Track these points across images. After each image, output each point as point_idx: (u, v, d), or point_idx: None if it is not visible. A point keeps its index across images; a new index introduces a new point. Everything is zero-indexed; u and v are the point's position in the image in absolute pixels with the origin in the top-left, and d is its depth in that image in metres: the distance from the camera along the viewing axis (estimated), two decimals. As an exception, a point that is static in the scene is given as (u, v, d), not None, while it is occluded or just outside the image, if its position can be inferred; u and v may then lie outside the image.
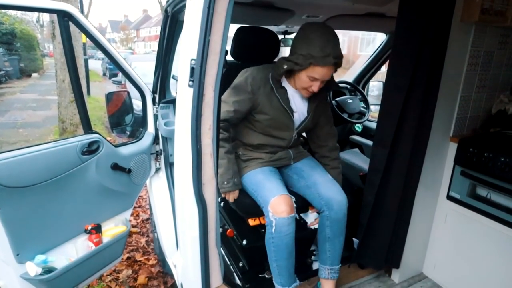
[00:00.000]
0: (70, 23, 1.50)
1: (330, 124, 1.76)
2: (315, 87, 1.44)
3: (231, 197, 1.56)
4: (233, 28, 1.84)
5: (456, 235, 1.71)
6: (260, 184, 1.52)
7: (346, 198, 1.55)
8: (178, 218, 1.34)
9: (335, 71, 1.46)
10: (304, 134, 1.98)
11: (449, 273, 1.77)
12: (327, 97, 1.71)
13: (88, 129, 1.64)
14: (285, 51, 1.93)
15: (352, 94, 2.92)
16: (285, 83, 1.56)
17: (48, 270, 1.44)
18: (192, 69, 1.07)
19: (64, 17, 1.47)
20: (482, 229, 1.58)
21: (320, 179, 1.60)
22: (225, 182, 1.51)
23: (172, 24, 1.93)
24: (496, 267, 1.55)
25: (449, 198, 1.71)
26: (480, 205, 1.58)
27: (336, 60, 1.37)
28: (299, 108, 1.60)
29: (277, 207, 1.40)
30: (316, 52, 1.34)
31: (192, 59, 1.07)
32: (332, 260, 1.59)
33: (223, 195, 1.57)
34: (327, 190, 1.55)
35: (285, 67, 1.42)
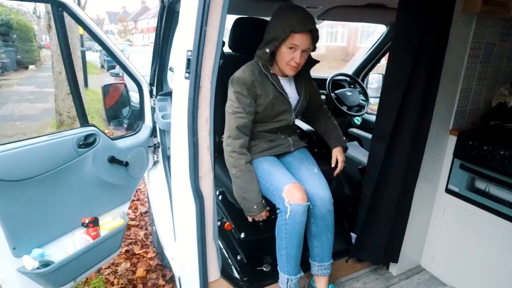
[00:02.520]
0: (65, 13, 1.48)
1: (318, 97, 1.84)
2: (297, 57, 1.45)
3: (259, 217, 1.53)
4: (231, 19, 1.82)
5: (454, 228, 1.71)
6: (269, 173, 1.51)
7: (330, 194, 1.52)
8: (175, 211, 1.33)
9: (314, 45, 1.50)
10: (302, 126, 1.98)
11: (447, 265, 1.78)
12: (310, 75, 1.75)
13: (84, 121, 1.62)
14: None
15: (352, 86, 2.91)
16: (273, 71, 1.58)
17: (45, 264, 1.43)
18: (189, 60, 1.05)
19: (59, 8, 1.45)
20: (480, 222, 1.58)
21: (306, 174, 1.58)
22: (255, 207, 1.47)
23: (168, 15, 1.90)
24: (493, 260, 1.56)
25: (448, 191, 1.71)
26: (478, 198, 1.58)
27: (313, 27, 1.42)
28: (290, 93, 1.62)
29: (292, 194, 1.40)
30: (294, 21, 1.39)
31: (188, 50, 1.05)
32: (321, 257, 1.56)
33: (249, 219, 1.54)
34: (311, 186, 1.52)
35: (268, 50, 1.45)
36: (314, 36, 1.46)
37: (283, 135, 1.68)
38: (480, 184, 1.59)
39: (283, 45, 1.44)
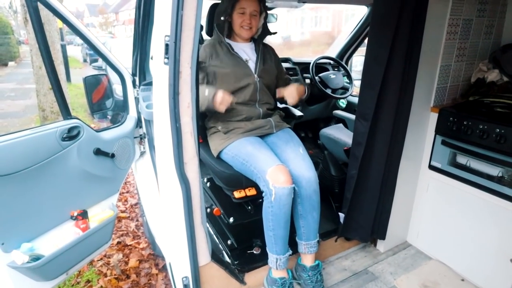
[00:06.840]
0: (40, 5, 1.44)
1: (282, 69, 1.95)
2: (247, 19, 1.65)
3: (225, 101, 1.53)
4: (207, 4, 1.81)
5: (438, 204, 1.76)
6: (253, 155, 1.52)
7: (315, 174, 1.55)
8: (162, 198, 1.34)
9: (264, 10, 1.71)
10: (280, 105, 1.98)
11: (432, 240, 1.83)
12: (271, 47, 1.87)
13: (67, 114, 1.60)
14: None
15: (335, 69, 2.92)
16: (228, 41, 1.72)
17: (35, 258, 1.43)
18: (167, 45, 1.04)
19: (33, -2, 1.41)
20: (463, 196, 1.63)
21: (291, 154, 1.60)
22: (206, 94, 1.54)
23: (146, 1, 1.86)
24: (476, 232, 1.61)
25: (431, 167, 1.75)
26: (460, 172, 1.62)
27: None
28: (249, 56, 1.75)
29: (276, 176, 1.41)
30: None
31: (166, 36, 1.04)
32: (307, 235, 1.59)
33: (220, 107, 1.54)
34: (296, 167, 1.54)
35: (222, 18, 1.66)
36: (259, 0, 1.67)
37: (261, 108, 1.70)
38: (461, 159, 1.63)
39: (234, 13, 1.65)
